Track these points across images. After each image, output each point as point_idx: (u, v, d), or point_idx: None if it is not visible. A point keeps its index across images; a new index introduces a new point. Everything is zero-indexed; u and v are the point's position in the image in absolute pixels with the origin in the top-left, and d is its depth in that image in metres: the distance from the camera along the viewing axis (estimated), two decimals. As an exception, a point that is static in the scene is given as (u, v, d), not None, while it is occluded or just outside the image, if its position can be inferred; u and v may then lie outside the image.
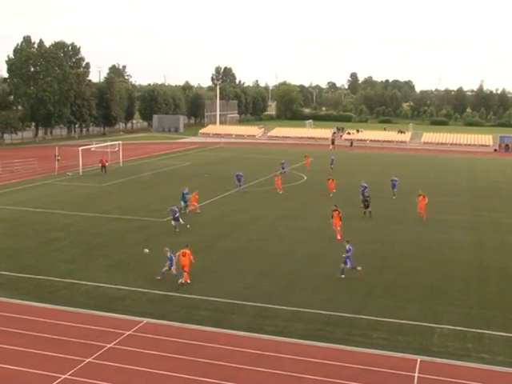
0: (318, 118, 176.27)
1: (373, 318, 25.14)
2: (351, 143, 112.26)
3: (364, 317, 25.23)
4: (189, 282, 28.88)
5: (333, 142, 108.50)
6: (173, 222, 39.19)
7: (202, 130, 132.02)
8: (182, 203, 44.51)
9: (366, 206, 45.04)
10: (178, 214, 39.29)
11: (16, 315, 24.76)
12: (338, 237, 37.36)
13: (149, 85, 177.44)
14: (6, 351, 21.33)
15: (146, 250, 31.94)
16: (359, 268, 30.37)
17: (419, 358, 21.33)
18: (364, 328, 24.09)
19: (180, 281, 28.66)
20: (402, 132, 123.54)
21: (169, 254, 29.44)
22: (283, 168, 68.82)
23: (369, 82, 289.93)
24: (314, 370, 20.41)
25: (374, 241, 38.12)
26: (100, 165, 66.88)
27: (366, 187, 49.05)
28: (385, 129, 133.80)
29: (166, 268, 29.29)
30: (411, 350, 21.98)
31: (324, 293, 28.22)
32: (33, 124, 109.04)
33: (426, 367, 20.72)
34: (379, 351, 21.92)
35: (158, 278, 29.43)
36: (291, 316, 25.29)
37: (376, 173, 72.03)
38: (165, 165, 75.90)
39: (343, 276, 30.24)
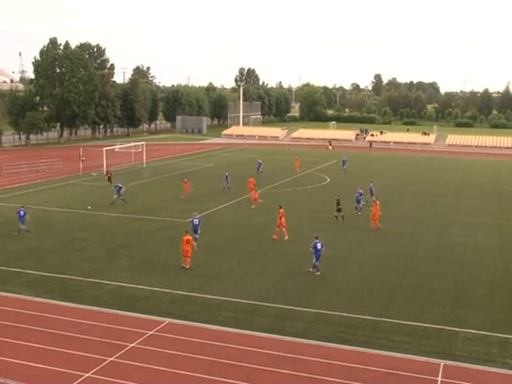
0: (342, 120, 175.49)
1: (396, 320, 24.96)
2: (370, 144, 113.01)
3: (387, 320, 25.06)
4: (188, 267, 31.36)
5: (330, 143, 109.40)
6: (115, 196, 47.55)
7: (225, 131, 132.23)
8: (115, 196, 48.78)
9: (339, 210, 43.62)
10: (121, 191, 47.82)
11: (40, 313, 25.03)
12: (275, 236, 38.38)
13: (172, 86, 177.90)
14: (30, 349, 21.57)
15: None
16: (315, 271, 30.98)
17: (442, 363, 21.12)
18: (387, 331, 23.93)
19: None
20: (426, 134, 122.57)
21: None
22: (258, 169, 67.83)
23: (393, 83, 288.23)
24: (336, 372, 20.32)
25: (398, 244, 37.86)
26: (107, 175, 60.17)
27: (361, 193, 47.37)
28: (408, 130, 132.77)
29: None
30: (434, 354, 21.77)
31: (346, 295, 28.09)
32: (58, 125, 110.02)
33: (449, 371, 20.50)
34: (402, 354, 21.76)
35: None
36: (313, 318, 25.20)
37: (397, 175, 71.57)
38: (188, 166, 76.17)
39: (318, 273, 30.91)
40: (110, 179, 58.56)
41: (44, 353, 21.28)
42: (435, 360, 21.32)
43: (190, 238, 31.89)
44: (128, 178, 63.06)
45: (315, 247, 30.80)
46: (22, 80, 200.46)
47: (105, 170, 64.06)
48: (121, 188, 48.68)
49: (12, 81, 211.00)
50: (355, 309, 26.17)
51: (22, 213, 38.42)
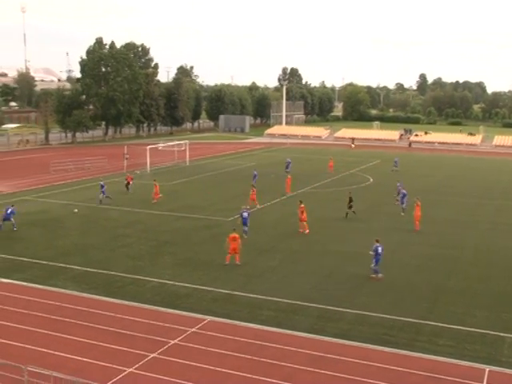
0: (385, 120, 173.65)
1: (439, 324, 24.63)
2: (410, 144, 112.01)
3: (430, 322, 24.75)
4: (238, 263, 31.67)
5: (353, 142, 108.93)
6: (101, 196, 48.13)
7: (268, 131, 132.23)
8: (100, 195, 48.75)
9: (350, 207, 44.46)
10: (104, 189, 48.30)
11: (86, 308, 25.51)
12: (301, 230, 39.53)
13: (216, 85, 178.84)
14: (76, 343, 22.01)
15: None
16: (377, 275, 30.35)
17: (488, 368, 20.72)
18: (430, 334, 23.63)
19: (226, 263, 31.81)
20: (472, 134, 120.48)
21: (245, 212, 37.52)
22: (287, 168, 67.82)
23: (438, 82, 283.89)
24: (377, 374, 20.17)
25: (442, 245, 37.33)
26: (126, 181, 55.35)
27: (405, 194, 46.74)
28: (460, 131, 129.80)
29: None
30: (479, 359, 21.39)
31: (389, 296, 27.83)
32: (103, 123, 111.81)
33: (494, 378, 20.13)
34: (445, 359, 21.45)
35: None
36: (355, 319, 25.05)
37: (442, 176, 70.56)
38: (231, 164, 76.51)
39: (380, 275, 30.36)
40: (128, 185, 54.48)
41: (88, 347, 21.68)
42: (480, 365, 20.93)
43: (237, 235, 31.98)
44: (171, 176, 63.71)
45: (376, 251, 30.28)
46: (69, 79, 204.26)
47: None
48: (103, 186, 48.91)
49: (59, 80, 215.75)
50: (398, 311, 25.91)
51: (9, 210, 39.21)
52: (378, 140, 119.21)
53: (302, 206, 39.84)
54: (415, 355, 21.70)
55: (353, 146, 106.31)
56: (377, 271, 30.34)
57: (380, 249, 30.27)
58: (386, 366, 20.77)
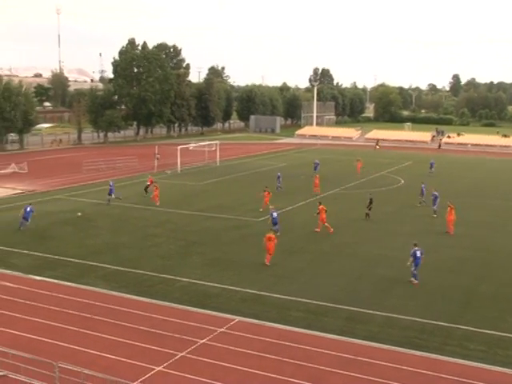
0: (417, 121, 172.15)
1: (470, 328, 24.30)
2: (439, 145, 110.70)
3: (461, 326, 24.43)
4: (268, 264, 31.83)
5: (377, 143, 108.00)
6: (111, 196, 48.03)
7: (299, 132, 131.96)
8: (112, 195, 48.71)
9: (370, 208, 44.47)
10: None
11: (116, 307, 25.76)
12: (317, 229, 40.01)
13: (247, 85, 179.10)
14: (106, 341, 22.25)
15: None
16: (413, 280, 29.81)
17: (520, 373, 20.42)
18: (461, 338, 23.33)
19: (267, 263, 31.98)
20: (506, 136, 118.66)
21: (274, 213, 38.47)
22: (316, 169, 66.40)
23: (472, 83, 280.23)
24: (406, 378, 19.98)
25: (476, 248, 36.82)
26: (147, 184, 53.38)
27: (437, 196, 45.97)
28: (498, 133, 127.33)
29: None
30: (511, 365, 21.07)
31: (419, 299, 27.55)
32: (135, 123, 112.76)
33: (526, 383, 19.82)
34: (476, 363, 21.15)
35: None
36: (385, 321, 24.86)
37: (474, 178, 69.67)
38: (261, 165, 76.52)
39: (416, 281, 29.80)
40: (147, 188, 52.72)
41: (118, 345, 21.89)
42: (512, 371, 20.65)
43: (273, 236, 32.39)
44: (201, 177, 63.99)
45: (414, 255, 29.77)
46: (102, 79, 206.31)
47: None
48: (111, 186, 48.91)
49: (92, 80, 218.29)
50: (429, 314, 25.63)
51: (28, 209, 39.45)
52: (410, 141, 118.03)
53: (321, 206, 40.20)
54: (445, 359, 21.44)
55: (377, 147, 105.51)
56: (415, 276, 29.80)
57: (419, 252, 29.75)
58: (416, 370, 20.55)
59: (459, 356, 21.70)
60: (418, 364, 21.02)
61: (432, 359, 21.46)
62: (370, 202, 44.49)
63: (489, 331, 23.99)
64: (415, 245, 30.25)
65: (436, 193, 46.11)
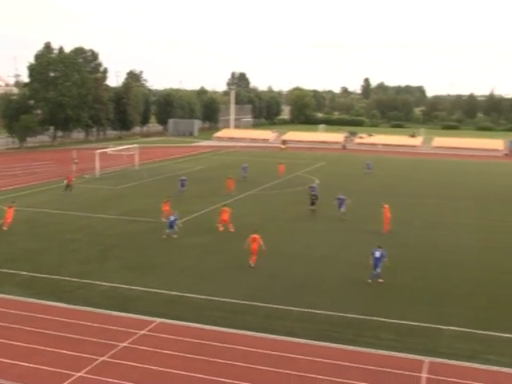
0: (331, 123, 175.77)
1: (382, 319, 25.04)
2: (344, 146, 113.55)
3: (373, 318, 25.13)
4: (252, 265, 32.06)
5: (283, 143, 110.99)
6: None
7: (217, 134, 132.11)
8: None
9: (313, 203, 46.60)
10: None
11: (32, 314, 24.91)
12: (221, 228, 40.48)
13: (165, 89, 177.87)
14: (22, 349, 21.46)
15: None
16: (377, 279, 30.19)
17: (427, 359, 21.24)
18: (373, 329, 24.00)
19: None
20: (413, 136, 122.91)
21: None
22: (245, 172, 66.41)
23: (381, 87, 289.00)
24: (323, 370, 20.35)
25: (386, 244, 37.79)
26: (66, 182, 55.48)
27: (343, 199, 46.45)
28: (413, 133, 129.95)
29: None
30: (420, 352, 21.88)
31: (334, 294, 28.16)
32: (51, 128, 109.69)
33: (434, 368, 20.61)
34: (388, 352, 21.84)
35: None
36: (302, 317, 25.25)
37: (384, 177, 71.77)
38: (179, 168, 76.01)
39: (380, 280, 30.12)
40: (68, 186, 54.43)
41: (36, 352, 21.19)
42: (420, 357, 21.43)
43: (256, 236, 32.48)
44: (120, 181, 62.96)
45: (373, 254, 30.03)
46: (17, 84, 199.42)
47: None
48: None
49: (7, 85, 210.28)
50: (342, 308, 26.21)
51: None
52: (324, 142, 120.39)
53: (225, 209, 40.99)
54: (359, 350, 22.02)
55: (283, 146, 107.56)
56: (373, 276, 29.97)
57: (377, 253, 29.97)
58: (332, 362, 21.00)
59: (372, 346, 22.34)
60: (334, 356, 21.47)
61: (347, 350, 21.96)
62: (313, 198, 46.51)
63: (399, 321, 24.80)
64: (379, 246, 30.53)
65: (342, 196, 46.24)
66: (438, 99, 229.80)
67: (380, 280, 30.01)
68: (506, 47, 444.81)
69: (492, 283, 30.43)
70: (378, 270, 29.97)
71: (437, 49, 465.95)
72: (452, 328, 24.13)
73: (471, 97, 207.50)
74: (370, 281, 29.95)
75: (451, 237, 40.28)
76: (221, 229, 40.22)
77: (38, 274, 30.26)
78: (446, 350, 22.06)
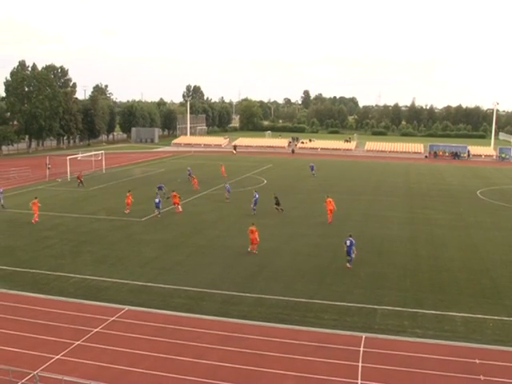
0: (276, 130, 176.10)
1: (324, 302, 25.41)
2: (293, 150, 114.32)
3: (317, 301, 25.49)
4: (256, 252, 32.86)
5: (235, 148, 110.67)
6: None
7: (175, 141, 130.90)
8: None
9: (277, 203, 45.85)
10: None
11: (14, 304, 24.52)
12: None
13: (128, 101, 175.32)
14: (6, 336, 21.12)
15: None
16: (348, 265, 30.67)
17: (364, 335, 21.71)
18: (317, 311, 24.34)
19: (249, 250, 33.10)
20: (348, 141, 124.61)
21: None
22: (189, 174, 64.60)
23: (319, 98, 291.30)
24: (275, 348, 20.60)
25: (326, 235, 38.43)
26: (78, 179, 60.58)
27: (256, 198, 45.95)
28: (349, 138, 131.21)
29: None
30: (357, 329, 22.35)
31: (283, 281, 28.38)
32: (27, 137, 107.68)
33: (369, 343, 21.10)
34: (330, 330, 22.24)
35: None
36: (254, 302, 25.39)
37: (323, 177, 72.59)
38: (142, 171, 75.19)
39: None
40: (80, 182, 59.67)
41: (19, 339, 20.86)
42: (358, 333, 21.89)
43: (254, 228, 33.15)
44: (89, 183, 61.82)
45: (345, 243, 30.57)
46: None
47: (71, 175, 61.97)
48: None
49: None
50: (290, 293, 26.49)
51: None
52: (270, 147, 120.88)
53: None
54: (306, 329, 22.32)
55: (234, 152, 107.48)
56: (350, 261, 30.53)
57: (348, 242, 30.43)
58: (283, 341, 21.25)
59: (316, 326, 22.69)
60: (284, 335, 21.71)
61: (294, 330, 22.23)
62: (276, 199, 45.82)
63: (339, 303, 25.22)
64: (350, 235, 30.96)
65: (256, 195, 46.01)
66: (368, 109, 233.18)
67: (348, 265, 30.50)
68: (424, 64, 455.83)
69: (418, 268, 31.16)
70: (352, 255, 30.49)
71: (366, 65, 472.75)
72: (384, 307, 24.70)
73: (396, 107, 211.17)
74: (348, 265, 30.47)
75: (384, 228, 41.01)
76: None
77: (18, 269, 29.62)
78: (380, 327, 22.61)
